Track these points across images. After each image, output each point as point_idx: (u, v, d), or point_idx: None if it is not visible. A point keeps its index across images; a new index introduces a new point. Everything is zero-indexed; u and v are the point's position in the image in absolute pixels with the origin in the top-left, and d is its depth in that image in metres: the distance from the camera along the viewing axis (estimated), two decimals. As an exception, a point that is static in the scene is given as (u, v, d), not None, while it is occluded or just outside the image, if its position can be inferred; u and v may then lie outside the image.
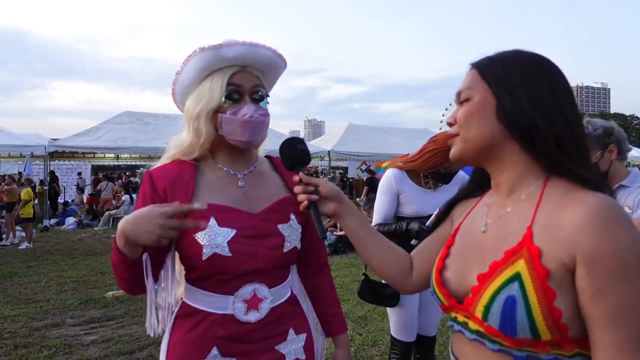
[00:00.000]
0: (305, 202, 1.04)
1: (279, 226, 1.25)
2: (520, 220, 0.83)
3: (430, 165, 2.27)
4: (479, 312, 0.80)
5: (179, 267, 1.33)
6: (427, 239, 1.11)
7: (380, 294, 2.37)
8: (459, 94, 0.92)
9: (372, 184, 14.67)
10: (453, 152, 0.92)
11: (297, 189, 1.05)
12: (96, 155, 15.98)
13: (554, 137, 0.82)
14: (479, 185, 1.02)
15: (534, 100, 0.83)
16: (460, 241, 0.96)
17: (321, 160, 17.99)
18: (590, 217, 0.73)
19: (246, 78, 1.24)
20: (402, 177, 2.37)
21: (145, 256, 1.12)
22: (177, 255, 1.27)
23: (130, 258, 1.10)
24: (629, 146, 2.23)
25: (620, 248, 0.71)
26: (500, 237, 0.85)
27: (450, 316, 0.93)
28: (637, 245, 0.72)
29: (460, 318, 0.88)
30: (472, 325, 0.84)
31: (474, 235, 0.92)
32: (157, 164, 1.31)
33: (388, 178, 2.38)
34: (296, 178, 1.06)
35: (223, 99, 1.21)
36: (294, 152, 1.12)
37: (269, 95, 1.32)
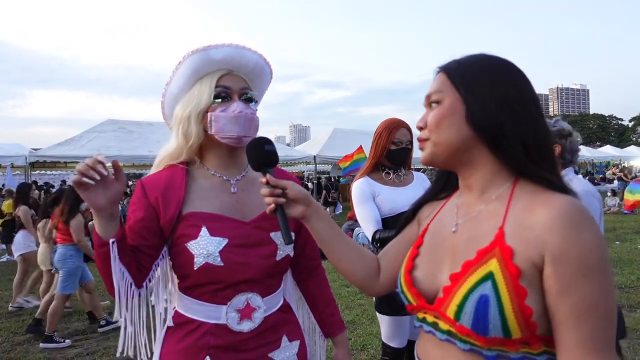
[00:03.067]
0: (272, 205, 1.02)
1: (272, 234, 1.25)
2: (492, 221, 0.84)
3: (381, 148, 2.40)
4: (451, 311, 0.81)
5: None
6: (393, 241, 1.12)
7: (396, 304, 2.24)
8: (428, 97, 0.93)
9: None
10: (424, 156, 0.93)
11: (264, 191, 1.03)
12: (78, 165, 15.71)
13: (520, 141, 0.84)
14: (445, 187, 1.04)
15: (502, 105, 0.84)
16: (430, 241, 0.97)
17: (307, 165, 17.98)
18: (558, 218, 0.76)
19: (234, 80, 1.26)
20: (369, 182, 2.42)
21: (112, 240, 1.08)
22: (170, 263, 1.26)
23: (101, 238, 1.08)
24: (579, 153, 2.38)
25: (584, 248, 0.74)
26: (472, 237, 0.86)
27: (417, 317, 0.93)
28: (600, 246, 0.75)
29: (430, 318, 0.88)
30: (443, 325, 0.85)
31: (445, 236, 0.93)
32: (150, 172, 1.31)
33: (359, 187, 2.41)
34: (263, 180, 1.04)
35: (212, 99, 1.23)
36: (262, 153, 1.08)
37: (257, 102, 1.33)
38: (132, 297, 1.16)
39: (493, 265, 0.78)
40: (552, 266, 0.75)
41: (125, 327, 1.19)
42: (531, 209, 0.80)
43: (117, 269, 1.10)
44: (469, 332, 0.78)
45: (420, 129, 0.93)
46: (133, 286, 1.15)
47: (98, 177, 1.03)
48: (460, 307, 0.79)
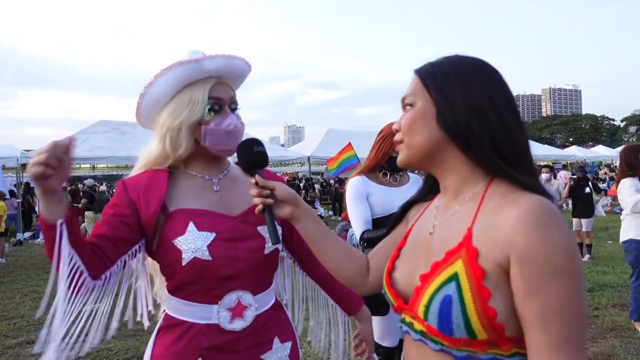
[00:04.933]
0: (260, 206, 1.04)
1: (259, 228, 1.26)
2: (463, 221, 0.85)
3: (383, 154, 2.40)
4: (420, 311, 0.82)
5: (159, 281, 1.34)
6: (383, 241, 1.13)
7: (371, 304, 2.33)
8: (403, 100, 0.94)
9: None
10: (400, 158, 0.95)
11: (253, 192, 1.04)
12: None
13: (490, 142, 0.83)
14: (432, 188, 1.04)
15: (470, 107, 0.84)
16: (411, 243, 0.98)
17: (301, 166, 17.98)
18: (525, 218, 0.75)
19: (224, 90, 1.28)
20: (364, 180, 2.43)
21: (60, 221, 1.01)
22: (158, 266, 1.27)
23: (47, 220, 1.01)
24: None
25: (551, 248, 0.73)
26: (445, 238, 0.87)
27: (400, 317, 0.94)
28: (568, 246, 0.74)
29: (408, 319, 0.90)
30: (417, 325, 0.86)
31: (423, 237, 0.94)
32: (131, 174, 1.31)
33: (353, 186, 2.43)
34: (252, 181, 1.06)
35: (206, 111, 1.23)
36: (251, 155, 1.10)
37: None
38: (80, 286, 1.07)
39: (458, 266, 0.78)
40: (517, 267, 0.74)
41: (53, 321, 1.06)
42: (499, 209, 0.80)
43: (65, 252, 1.02)
44: (436, 332, 0.79)
45: (397, 131, 0.95)
46: (84, 274, 1.07)
47: (57, 164, 0.97)
48: (427, 307, 0.80)
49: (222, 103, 1.26)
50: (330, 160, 10.54)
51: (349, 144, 9.95)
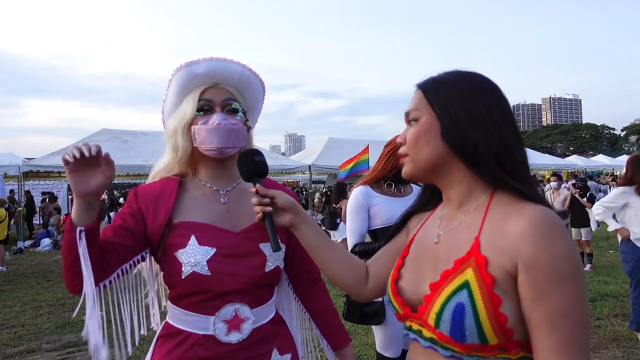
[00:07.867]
0: (260, 214, 1.06)
1: (261, 245, 1.25)
2: (469, 231, 0.87)
3: (392, 166, 2.38)
4: (431, 319, 0.84)
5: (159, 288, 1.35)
6: (383, 249, 1.14)
7: (364, 313, 2.35)
8: (407, 115, 0.96)
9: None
10: (405, 171, 0.97)
11: (253, 200, 1.07)
12: (72, 174, 15.55)
13: (493, 156, 0.86)
14: (431, 198, 1.06)
15: (473, 122, 0.87)
16: (415, 252, 1.00)
17: (302, 174, 17.98)
18: (531, 227, 0.79)
19: (217, 93, 1.28)
20: (367, 191, 2.44)
21: (80, 228, 1.06)
22: (162, 274, 1.28)
23: (73, 223, 1.06)
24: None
25: (556, 256, 0.76)
26: (451, 247, 0.89)
27: (405, 325, 0.95)
28: (572, 254, 0.78)
29: (415, 326, 0.91)
30: (426, 332, 0.87)
31: (427, 246, 0.96)
32: (147, 182, 1.35)
33: (355, 196, 2.43)
34: (253, 190, 1.07)
35: (195, 112, 1.25)
36: (251, 164, 1.12)
37: (245, 112, 1.34)
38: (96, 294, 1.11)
39: (469, 274, 0.81)
40: (525, 274, 0.78)
41: (102, 319, 1.14)
42: (505, 219, 0.83)
43: (84, 259, 1.07)
44: (448, 339, 0.81)
45: (401, 145, 0.97)
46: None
47: (78, 156, 1.03)
48: (439, 314, 0.82)
49: (212, 105, 1.26)
50: (345, 163, 10.14)
51: (367, 147, 9.67)
